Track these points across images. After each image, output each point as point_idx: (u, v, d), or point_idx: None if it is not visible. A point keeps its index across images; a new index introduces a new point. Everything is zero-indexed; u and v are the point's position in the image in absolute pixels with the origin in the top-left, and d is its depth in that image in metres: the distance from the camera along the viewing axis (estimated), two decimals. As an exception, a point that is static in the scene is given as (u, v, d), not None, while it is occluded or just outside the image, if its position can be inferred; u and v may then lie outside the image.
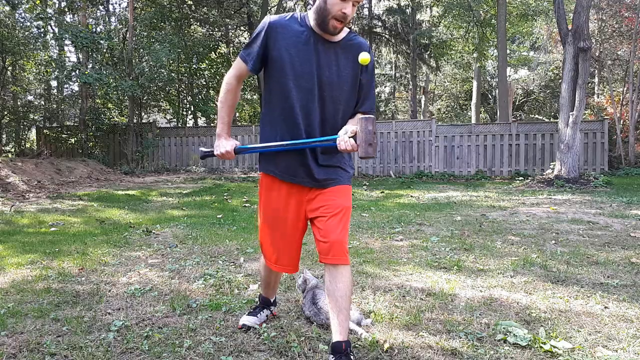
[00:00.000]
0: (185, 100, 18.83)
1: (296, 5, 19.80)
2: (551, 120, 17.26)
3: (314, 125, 2.03)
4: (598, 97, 18.37)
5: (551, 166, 10.58)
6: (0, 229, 5.32)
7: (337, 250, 1.99)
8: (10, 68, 15.82)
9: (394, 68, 26.07)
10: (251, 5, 18.23)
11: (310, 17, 2.01)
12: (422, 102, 24.78)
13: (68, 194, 8.43)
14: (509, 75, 22.09)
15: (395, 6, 20.47)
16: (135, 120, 14.92)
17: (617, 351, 2.15)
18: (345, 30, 2.06)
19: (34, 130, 17.13)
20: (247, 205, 7.32)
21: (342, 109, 2.07)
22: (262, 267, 2.42)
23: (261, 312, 2.48)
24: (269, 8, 17.86)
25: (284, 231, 2.14)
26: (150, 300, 2.86)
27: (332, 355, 1.97)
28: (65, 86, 18.19)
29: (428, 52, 20.34)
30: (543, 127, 12.72)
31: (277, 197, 2.13)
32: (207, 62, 18.35)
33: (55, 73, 13.84)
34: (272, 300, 2.54)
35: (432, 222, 5.56)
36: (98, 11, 17.16)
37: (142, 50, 14.70)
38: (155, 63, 13.82)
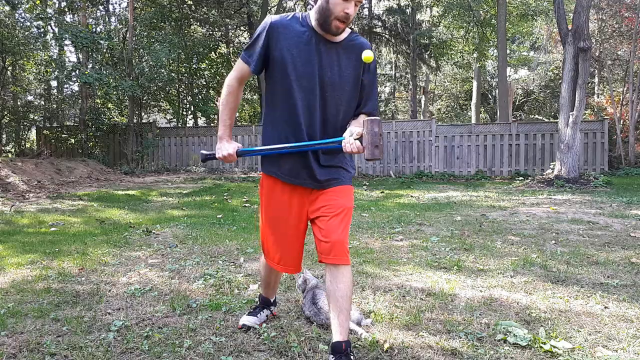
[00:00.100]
0: (185, 100, 18.83)
1: (296, 5, 19.80)
2: (551, 120, 17.25)
3: (316, 126, 2.03)
4: (598, 97, 18.37)
5: (551, 166, 10.58)
6: (0, 229, 5.32)
7: (338, 251, 1.99)
8: (10, 68, 15.83)
9: (394, 68, 26.07)
10: (251, 5, 18.23)
11: (312, 17, 2.01)
12: (422, 102, 24.78)
13: (68, 194, 8.43)
14: (509, 75, 22.09)
15: (395, 6, 20.47)
16: (135, 120, 14.92)
17: (617, 351, 2.15)
18: (347, 31, 2.05)
19: (34, 130, 17.12)
20: (247, 205, 7.32)
21: (343, 110, 2.07)
22: (262, 267, 2.42)
23: (261, 312, 2.48)
24: (269, 8, 17.86)
25: (286, 232, 2.14)
26: (150, 300, 2.86)
27: (332, 355, 1.97)
28: (65, 86, 18.19)
29: (428, 52, 20.34)
30: (543, 127, 12.72)
31: (280, 198, 2.13)
32: (207, 62, 18.35)
33: (55, 73, 13.84)
34: (272, 300, 2.54)
35: (432, 222, 5.56)
36: (98, 11, 17.17)
37: (142, 50, 14.69)
38: (155, 63, 13.82)
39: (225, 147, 2.09)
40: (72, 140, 15.54)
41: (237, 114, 21.07)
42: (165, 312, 2.65)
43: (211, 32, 19.23)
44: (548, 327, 2.40)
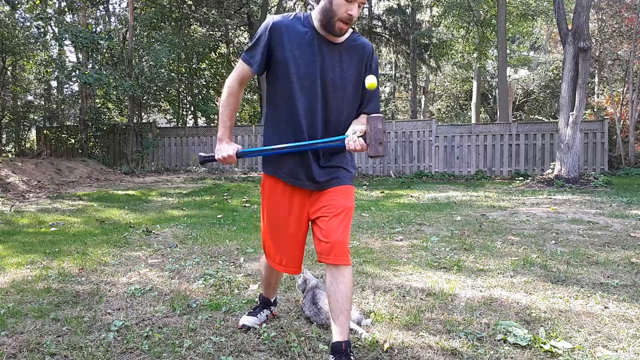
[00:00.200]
0: (185, 100, 18.83)
1: (296, 6, 19.79)
2: (551, 120, 17.25)
3: (317, 127, 2.02)
4: (598, 97, 18.36)
5: (551, 166, 10.58)
6: (0, 229, 5.32)
7: (339, 251, 1.98)
8: (10, 68, 15.82)
9: (394, 68, 26.06)
10: (251, 6, 18.23)
11: (314, 18, 2.00)
12: (422, 102, 24.78)
13: (68, 194, 8.43)
14: (509, 75, 22.09)
15: (395, 6, 20.46)
16: (135, 120, 14.92)
17: (617, 351, 2.15)
18: (349, 31, 2.05)
19: (34, 131, 17.12)
20: (247, 205, 7.32)
21: (345, 111, 2.07)
22: (262, 267, 2.42)
23: (261, 312, 2.48)
24: (269, 8, 17.86)
25: (287, 232, 2.14)
26: (150, 300, 2.86)
27: (332, 356, 1.98)
28: (65, 86, 18.19)
29: (428, 52, 20.33)
30: (543, 127, 12.72)
31: (281, 198, 2.13)
32: (207, 62, 18.35)
33: (56, 73, 13.84)
34: (272, 300, 2.54)
35: (432, 222, 5.56)
36: (98, 11, 17.16)
37: (142, 50, 14.69)
38: (155, 63, 13.82)
39: (225, 149, 2.08)
40: (72, 140, 15.54)
41: (237, 114, 21.04)
42: (165, 312, 2.65)
43: (211, 32, 19.22)
44: (548, 327, 2.40)
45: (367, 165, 13.37)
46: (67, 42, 13.78)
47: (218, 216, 6.16)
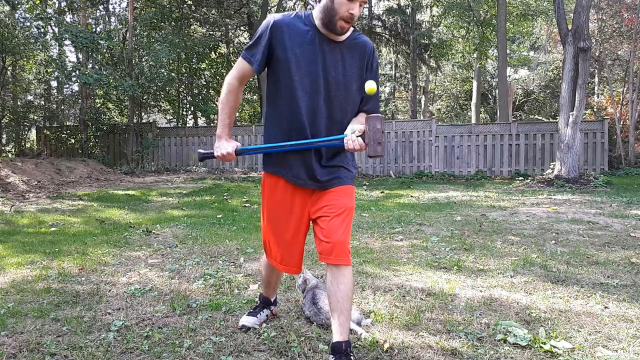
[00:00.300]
0: (185, 100, 18.83)
1: (296, 6, 19.79)
2: (551, 120, 17.25)
3: (320, 126, 2.02)
4: (598, 97, 18.37)
5: (551, 166, 10.58)
6: (0, 229, 5.32)
7: (340, 251, 1.98)
8: (10, 68, 15.82)
9: (394, 68, 26.05)
10: (251, 6, 18.22)
11: (316, 17, 2.00)
12: (422, 102, 24.78)
13: (68, 194, 8.43)
14: (509, 75, 22.09)
15: (395, 6, 20.46)
16: (135, 120, 14.92)
17: (617, 351, 2.15)
18: (350, 30, 2.05)
19: (34, 131, 17.12)
20: (247, 205, 7.32)
21: (349, 109, 2.07)
22: (263, 266, 2.42)
23: (261, 312, 2.48)
24: (269, 8, 17.86)
25: (287, 231, 2.14)
26: (150, 300, 2.86)
27: (332, 356, 1.97)
28: (65, 86, 18.19)
29: (428, 52, 20.33)
30: (543, 127, 12.72)
31: (282, 197, 2.12)
32: (207, 62, 18.35)
33: (56, 73, 13.84)
34: (272, 300, 2.54)
35: (432, 222, 5.56)
36: (98, 11, 17.16)
37: (142, 50, 14.69)
38: (155, 63, 13.82)
39: (224, 146, 2.08)
40: (72, 140, 15.54)
41: (237, 114, 21.06)
42: (165, 312, 2.65)
43: (211, 32, 19.22)
44: (548, 327, 2.40)
45: (367, 165, 13.37)
46: (67, 42, 13.79)
47: (218, 216, 6.16)
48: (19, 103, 17.58)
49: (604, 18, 15.58)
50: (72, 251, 4.17)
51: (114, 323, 2.45)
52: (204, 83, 18.81)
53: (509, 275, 3.35)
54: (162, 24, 16.11)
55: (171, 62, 16.02)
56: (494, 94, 24.84)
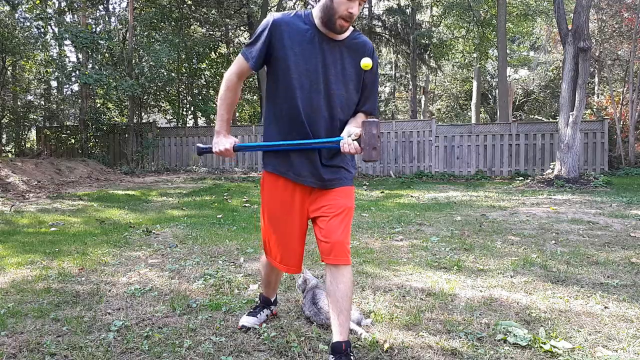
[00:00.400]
0: (185, 100, 18.83)
1: (296, 5, 19.79)
2: (551, 120, 17.25)
3: (319, 125, 2.02)
4: (598, 97, 18.36)
5: (551, 166, 10.58)
6: (0, 229, 5.32)
7: (339, 251, 1.98)
8: (10, 68, 15.82)
9: (394, 68, 26.05)
10: (251, 6, 18.22)
11: (315, 15, 2.00)
12: (422, 102, 24.78)
13: (68, 194, 8.43)
14: (509, 75, 22.09)
15: (395, 6, 20.46)
16: (135, 120, 14.92)
17: (617, 351, 2.15)
18: (349, 29, 2.05)
19: (34, 130, 17.12)
20: (247, 205, 7.32)
21: (348, 108, 2.07)
22: (263, 266, 2.42)
23: (261, 312, 2.48)
24: (269, 8, 17.86)
25: (286, 230, 2.13)
26: (150, 300, 2.86)
27: (332, 356, 1.97)
28: (65, 86, 18.19)
29: (428, 52, 20.33)
30: (543, 127, 12.72)
31: (282, 195, 2.12)
32: (207, 62, 18.34)
33: (56, 73, 13.84)
34: (272, 300, 2.54)
35: (432, 222, 5.56)
36: (98, 11, 17.16)
37: (142, 50, 14.69)
38: (155, 63, 13.82)
39: (222, 142, 2.09)
40: (72, 140, 15.54)
41: (237, 114, 21.07)
42: (165, 312, 2.65)
43: (211, 32, 19.22)
44: (548, 327, 2.40)
45: (367, 165, 13.37)
46: (67, 42, 13.79)
47: (218, 216, 6.16)
48: (19, 103, 17.58)
49: (604, 18, 15.58)
50: (72, 251, 4.17)
51: (114, 323, 2.45)
52: (204, 83, 18.81)
53: (509, 275, 3.35)
54: (162, 24, 16.11)
55: (171, 62, 16.01)
56: (494, 94, 24.84)
